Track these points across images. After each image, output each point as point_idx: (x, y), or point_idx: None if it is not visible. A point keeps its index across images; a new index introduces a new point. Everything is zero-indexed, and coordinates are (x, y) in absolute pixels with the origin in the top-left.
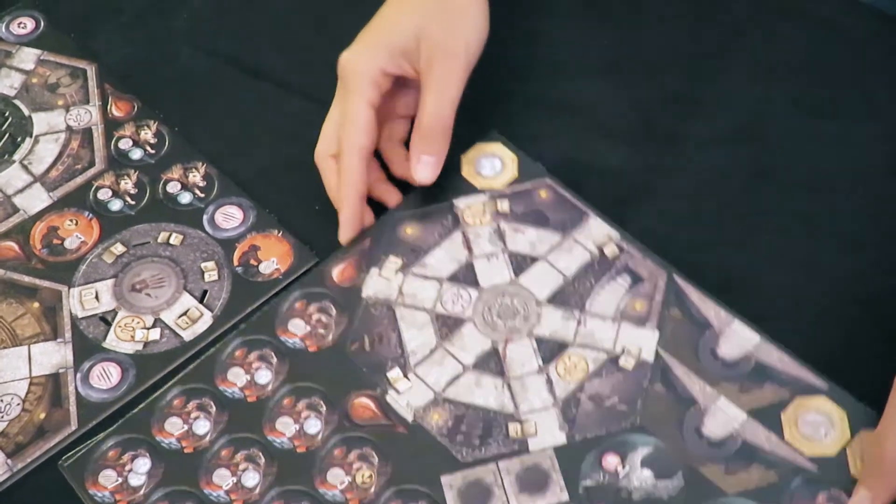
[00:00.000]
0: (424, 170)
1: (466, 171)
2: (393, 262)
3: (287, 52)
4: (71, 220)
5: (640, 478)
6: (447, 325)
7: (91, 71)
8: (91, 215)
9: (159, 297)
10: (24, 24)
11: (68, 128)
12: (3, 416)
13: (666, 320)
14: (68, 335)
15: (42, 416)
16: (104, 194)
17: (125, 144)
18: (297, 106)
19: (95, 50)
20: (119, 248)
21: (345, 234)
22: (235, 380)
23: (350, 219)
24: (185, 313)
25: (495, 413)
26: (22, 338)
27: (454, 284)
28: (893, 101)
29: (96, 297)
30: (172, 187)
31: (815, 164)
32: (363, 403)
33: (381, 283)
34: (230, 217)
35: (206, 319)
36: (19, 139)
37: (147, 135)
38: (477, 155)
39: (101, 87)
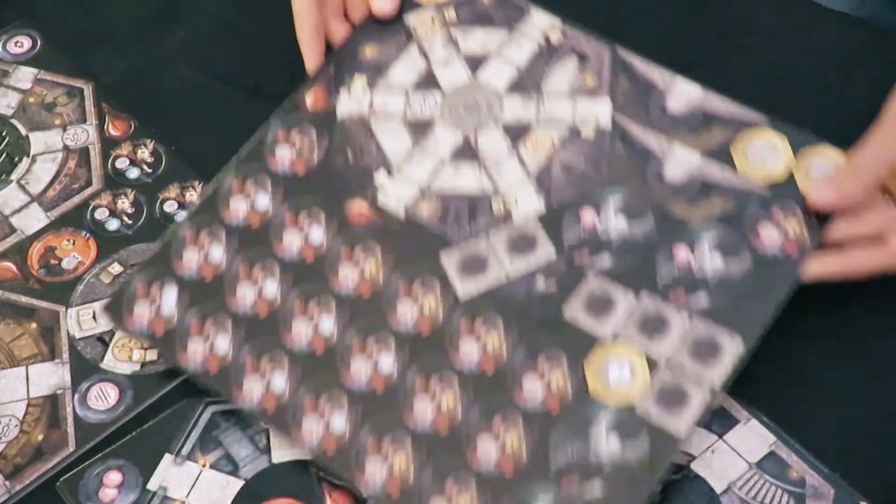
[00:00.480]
0: (382, 1)
1: None
2: (359, 81)
3: (284, 69)
4: (68, 240)
5: (616, 224)
6: (420, 128)
7: (88, 90)
8: (88, 235)
9: None
10: (21, 43)
11: (65, 147)
12: (1, 438)
13: (616, 89)
14: (66, 356)
15: (40, 437)
16: (101, 214)
17: (122, 163)
18: None
19: (92, 68)
20: (116, 268)
21: (309, 64)
22: (238, 207)
23: (310, 50)
24: None
25: (478, 196)
26: (20, 359)
27: (419, 91)
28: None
29: (94, 318)
30: (170, 206)
31: None
32: (357, 209)
33: (351, 102)
34: None
35: None
36: (16, 159)
37: (144, 154)
38: None
39: (98, 105)
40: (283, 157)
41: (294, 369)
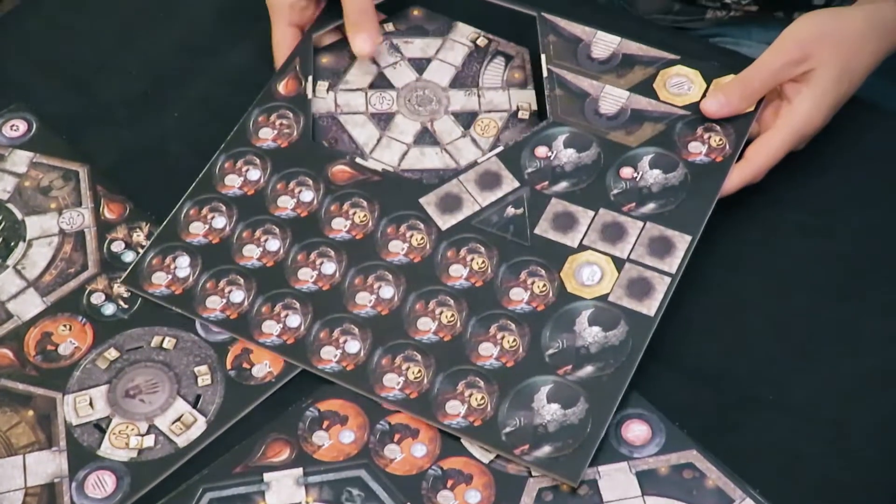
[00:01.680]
0: (363, 43)
1: None
2: (321, 84)
3: None
4: (65, 326)
5: (566, 155)
6: (383, 120)
7: (83, 173)
8: (84, 320)
9: (153, 402)
10: (17, 127)
11: (61, 231)
12: None
13: (547, 44)
14: (63, 443)
15: None
16: (97, 298)
17: (118, 247)
18: None
19: (87, 151)
20: (113, 354)
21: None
22: (232, 183)
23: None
24: (179, 419)
25: (443, 170)
26: (17, 447)
27: (376, 90)
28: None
29: (90, 404)
30: None
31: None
32: (340, 168)
33: (318, 102)
34: None
35: (200, 425)
36: (13, 243)
37: (139, 237)
38: None
39: (94, 188)
40: (267, 136)
41: (305, 308)
